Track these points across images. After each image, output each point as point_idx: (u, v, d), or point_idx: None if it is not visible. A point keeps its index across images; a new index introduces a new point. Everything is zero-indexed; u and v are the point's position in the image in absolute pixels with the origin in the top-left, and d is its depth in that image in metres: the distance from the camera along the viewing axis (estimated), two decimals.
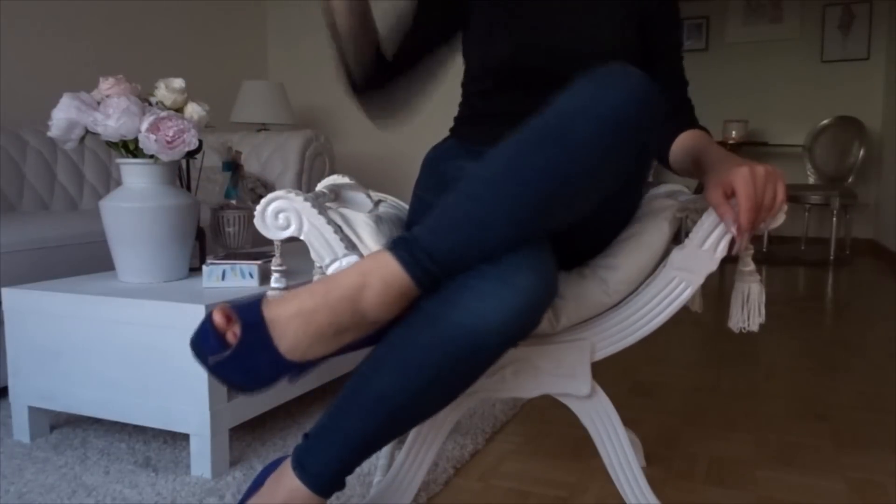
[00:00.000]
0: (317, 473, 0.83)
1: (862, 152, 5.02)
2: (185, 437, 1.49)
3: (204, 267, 1.47)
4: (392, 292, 0.77)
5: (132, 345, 1.36)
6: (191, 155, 1.51)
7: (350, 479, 1.27)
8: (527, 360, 0.99)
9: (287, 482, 0.84)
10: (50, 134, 1.46)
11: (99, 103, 1.47)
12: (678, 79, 1.17)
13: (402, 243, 0.78)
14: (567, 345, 0.99)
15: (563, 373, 1.00)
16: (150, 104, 1.51)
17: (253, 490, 0.88)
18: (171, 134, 1.44)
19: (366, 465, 1.33)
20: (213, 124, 2.75)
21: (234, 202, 1.80)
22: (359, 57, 1.09)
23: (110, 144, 1.49)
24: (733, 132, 5.22)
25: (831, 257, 4.67)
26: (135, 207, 1.47)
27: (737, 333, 2.57)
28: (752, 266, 0.98)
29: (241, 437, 1.52)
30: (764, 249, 5.13)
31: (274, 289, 1.01)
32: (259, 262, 1.49)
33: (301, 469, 0.83)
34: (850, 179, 5.06)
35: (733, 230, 0.88)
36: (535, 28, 1.08)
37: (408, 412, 0.81)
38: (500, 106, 1.11)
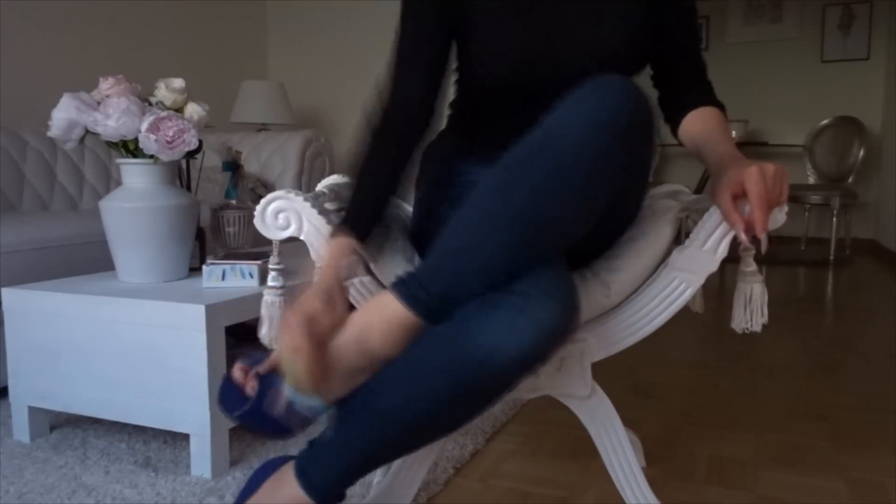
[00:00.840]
0: (321, 484, 0.83)
1: (862, 152, 5.02)
2: (185, 437, 1.49)
3: (204, 267, 1.46)
4: (394, 329, 0.79)
5: (132, 345, 1.36)
6: (191, 155, 1.51)
7: None
8: None
9: (288, 489, 0.84)
10: (50, 134, 1.46)
11: (99, 103, 1.47)
12: (694, 54, 1.11)
13: (401, 281, 0.80)
14: (567, 345, 0.99)
15: (563, 373, 1.00)
16: (150, 104, 1.50)
17: (249, 490, 0.88)
18: (171, 134, 1.44)
19: None
20: (213, 124, 2.75)
21: (234, 202, 1.80)
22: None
23: (110, 144, 1.49)
24: (733, 132, 5.21)
25: (831, 257, 4.67)
26: (135, 207, 1.47)
27: (738, 334, 2.57)
28: (753, 266, 0.98)
29: (241, 437, 1.52)
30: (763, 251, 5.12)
31: (271, 287, 1.01)
32: (259, 262, 1.49)
33: (305, 478, 0.83)
34: (850, 179, 5.06)
35: (743, 236, 0.87)
36: (540, 39, 1.06)
37: (415, 432, 0.80)
38: (500, 106, 1.11)
